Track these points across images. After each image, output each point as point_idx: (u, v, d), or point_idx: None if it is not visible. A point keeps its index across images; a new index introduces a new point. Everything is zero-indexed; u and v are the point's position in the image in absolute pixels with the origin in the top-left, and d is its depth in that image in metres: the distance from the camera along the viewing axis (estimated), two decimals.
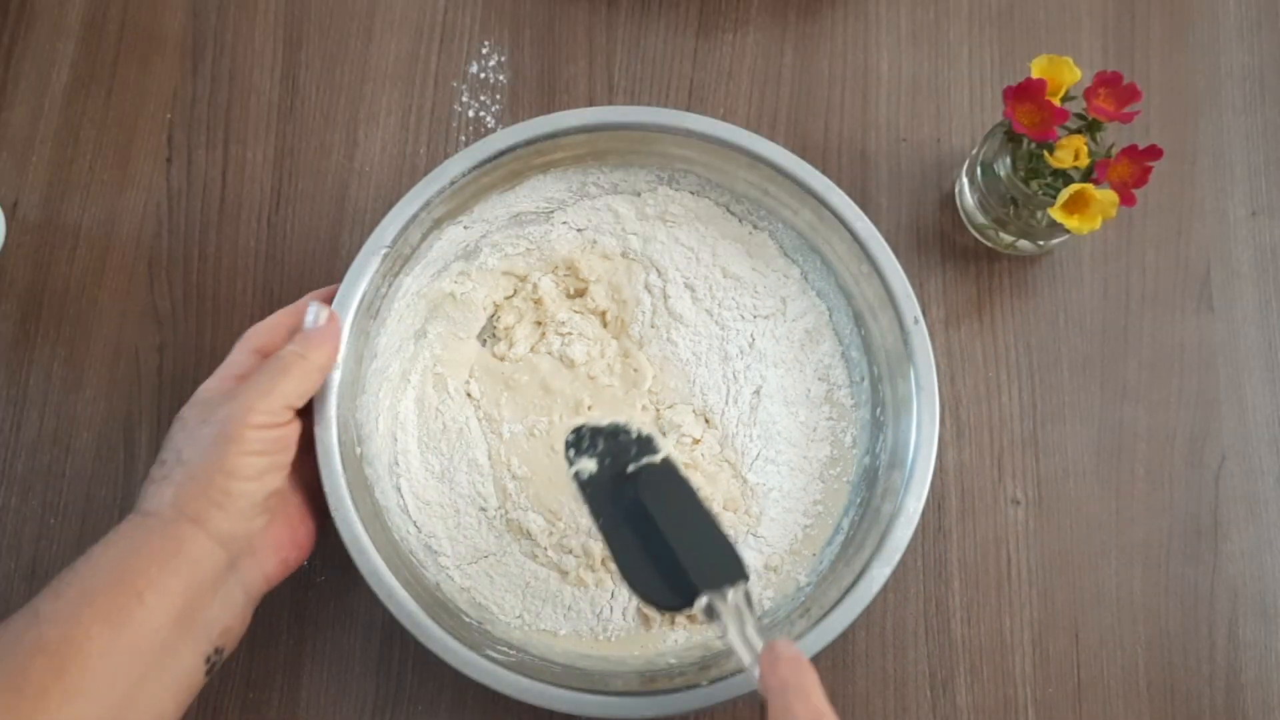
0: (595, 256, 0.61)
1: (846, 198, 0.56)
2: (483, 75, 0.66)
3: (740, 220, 0.61)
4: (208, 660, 0.46)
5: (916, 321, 0.54)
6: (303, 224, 0.63)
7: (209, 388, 0.49)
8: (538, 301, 0.60)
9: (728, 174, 0.58)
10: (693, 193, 0.61)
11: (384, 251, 0.54)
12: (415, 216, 0.54)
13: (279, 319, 0.52)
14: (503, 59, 0.66)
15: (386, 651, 0.56)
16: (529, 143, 0.56)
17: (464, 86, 0.66)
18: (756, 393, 0.59)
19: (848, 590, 0.51)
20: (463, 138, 0.65)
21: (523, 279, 0.61)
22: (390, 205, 0.54)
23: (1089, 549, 0.59)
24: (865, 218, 0.55)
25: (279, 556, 0.49)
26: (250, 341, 0.51)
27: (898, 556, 0.51)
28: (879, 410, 0.57)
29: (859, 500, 0.56)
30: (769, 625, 0.54)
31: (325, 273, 0.62)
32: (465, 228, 0.58)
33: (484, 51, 0.66)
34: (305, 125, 0.65)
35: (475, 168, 0.55)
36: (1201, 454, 0.61)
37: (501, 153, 0.55)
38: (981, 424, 0.61)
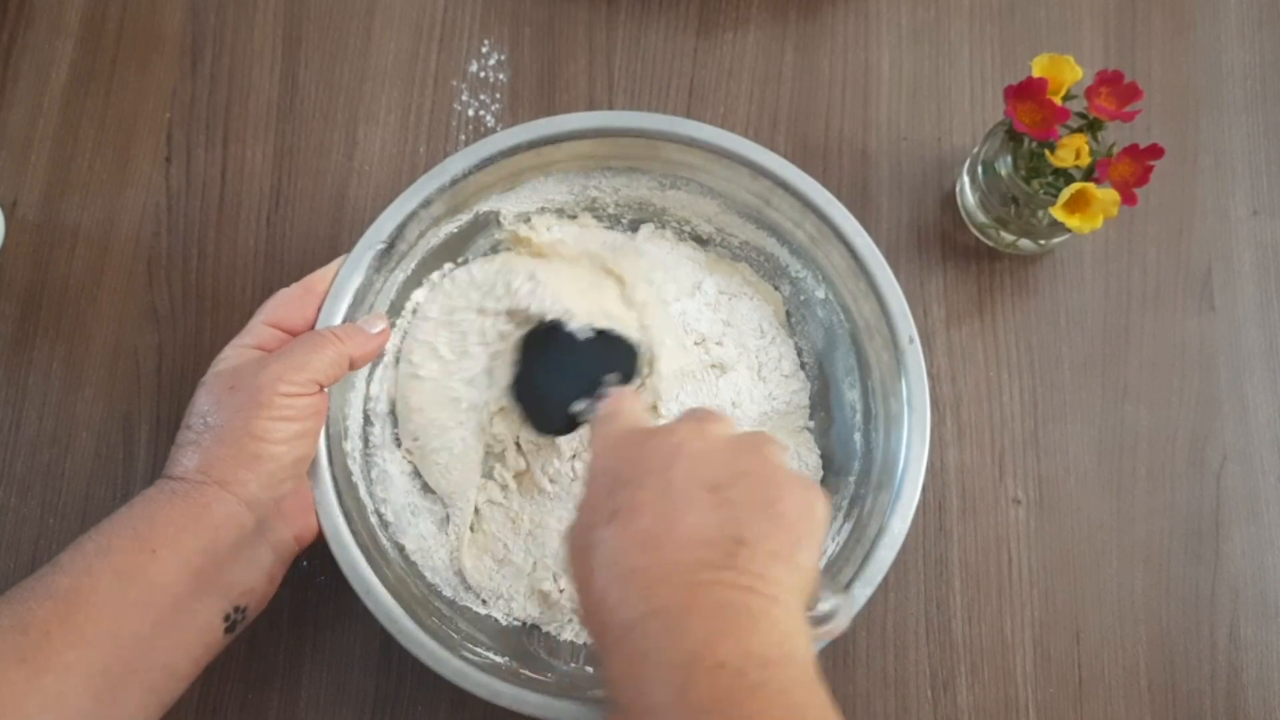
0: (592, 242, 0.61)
1: (847, 213, 0.55)
2: (483, 74, 0.66)
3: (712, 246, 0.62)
4: (227, 619, 0.47)
5: (912, 341, 0.53)
6: (302, 224, 0.63)
7: (227, 357, 0.50)
8: (528, 242, 0.60)
9: (731, 183, 0.57)
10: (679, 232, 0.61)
11: (379, 248, 0.54)
12: (414, 213, 0.54)
13: (295, 292, 0.53)
14: (503, 58, 0.66)
15: (386, 651, 0.56)
16: (531, 144, 0.55)
17: (464, 85, 0.66)
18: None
19: None
20: (462, 137, 0.65)
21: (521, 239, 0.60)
22: (390, 204, 0.54)
23: (1090, 549, 0.59)
24: (865, 234, 0.54)
25: (309, 519, 0.50)
26: (267, 314, 0.52)
27: (879, 577, 0.50)
28: (870, 431, 0.56)
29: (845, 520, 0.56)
30: None
31: None
32: (460, 227, 0.58)
33: (484, 50, 0.66)
34: (305, 124, 0.65)
35: (477, 166, 0.55)
36: (1203, 454, 0.61)
37: (504, 152, 0.55)
38: (982, 423, 0.61)
